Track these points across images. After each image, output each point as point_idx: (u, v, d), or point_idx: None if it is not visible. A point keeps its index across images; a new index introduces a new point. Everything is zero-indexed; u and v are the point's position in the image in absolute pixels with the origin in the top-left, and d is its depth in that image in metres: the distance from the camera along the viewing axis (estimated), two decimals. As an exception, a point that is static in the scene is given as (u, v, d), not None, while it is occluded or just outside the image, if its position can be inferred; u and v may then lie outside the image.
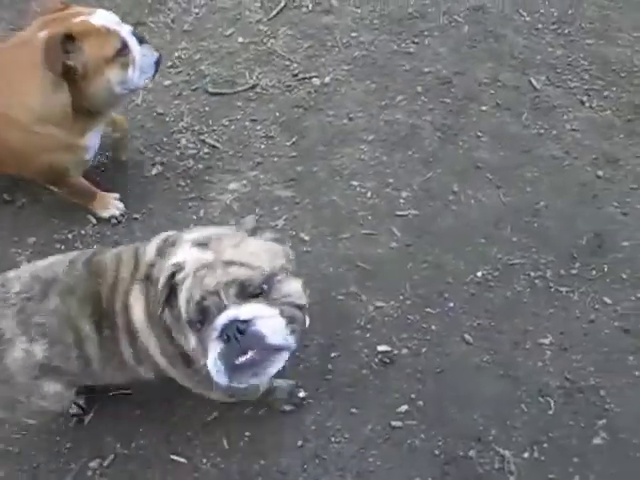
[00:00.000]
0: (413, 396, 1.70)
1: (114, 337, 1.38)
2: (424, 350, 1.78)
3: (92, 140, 1.91)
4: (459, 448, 1.62)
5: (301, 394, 1.70)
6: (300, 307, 1.23)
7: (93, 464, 1.66)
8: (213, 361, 1.15)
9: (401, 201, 2.06)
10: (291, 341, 1.18)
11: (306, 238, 1.99)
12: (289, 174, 2.14)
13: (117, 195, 2.11)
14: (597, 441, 1.62)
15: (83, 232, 2.07)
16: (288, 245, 1.41)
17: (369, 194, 2.08)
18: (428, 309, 1.85)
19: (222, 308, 1.15)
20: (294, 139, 2.22)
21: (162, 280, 1.23)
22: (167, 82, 2.42)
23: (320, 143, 2.21)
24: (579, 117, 2.28)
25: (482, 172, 2.13)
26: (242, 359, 1.13)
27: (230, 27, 2.60)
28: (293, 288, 1.23)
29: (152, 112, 2.35)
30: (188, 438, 1.68)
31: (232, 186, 2.14)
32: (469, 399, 1.69)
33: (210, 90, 2.37)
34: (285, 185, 2.12)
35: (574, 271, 1.92)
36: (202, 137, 2.26)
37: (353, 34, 2.52)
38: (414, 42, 2.49)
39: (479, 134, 2.22)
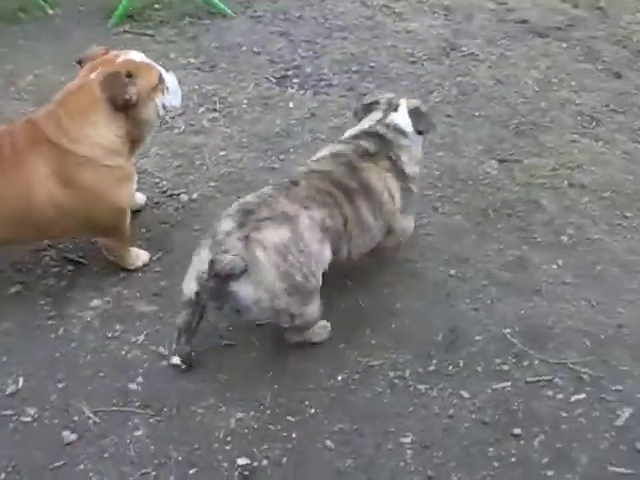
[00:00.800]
0: (273, 509, 1.65)
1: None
2: (285, 460, 1.73)
3: None
4: None
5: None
6: None
7: None
8: None
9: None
10: None
11: (165, 352, 1.96)
12: (153, 289, 2.14)
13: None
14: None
15: None
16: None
17: (230, 309, 2.12)
18: (289, 417, 1.82)
19: None
20: (159, 255, 2.25)
21: None
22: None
23: (185, 258, 2.23)
24: (432, 222, 2.45)
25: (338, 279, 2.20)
26: None
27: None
28: None
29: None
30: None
31: (94, 303, 2.11)
32: (330, 507, 1.65)
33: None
34: (148, 300, 2.11)
35: (431, 368, 1.98)
36: (66, 254, 2.25)
37: (222, 153, 2.67)
38: (280, 159, 2.66)
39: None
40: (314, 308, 1.89)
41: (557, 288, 2.26)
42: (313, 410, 1.85)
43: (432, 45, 3.54)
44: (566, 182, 2.71)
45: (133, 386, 1.89)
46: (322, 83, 3.15)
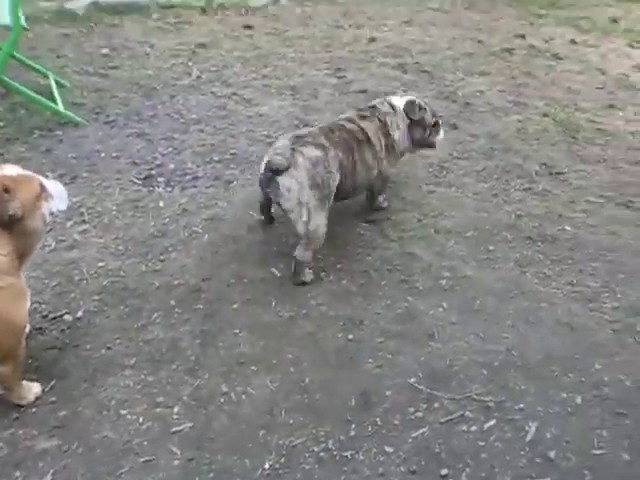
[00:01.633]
0: None
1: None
2: None
3: None
4: None
5: None
6: None
7: None
8: None
9: (174, 417, 2.03)
10: None
11: (79, 488, 1.84)
12: (51, 422, 1.99)
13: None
14: None
15: None
16: None
17: (141, 419, 2.02)
18: (223, 522, 1.78)
19: None
20: (52, 383, 2.12)
21: None
22: None
23: (82, 380, 2.13)
24: (321, 292, 2.54)
25: (246, 366, 2.21)
26: None
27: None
28: None
29: None
30: None
31: (-16, 452, 1.93)
32: None
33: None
34: (49, 435, 1.96)
35: (352, 433, 2.02)
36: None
37: (100, 264, 2.60)
38: (160, 260, 2.64)
39: (236, 331, 2.34)
40: (323, 221, 2.55)
41: (447, 329, 2.42)
42: (246, 506, 1.81)
43: (285, 124, 3.74)
44: (432, 230, 2.96)
45: (47, 536, 1.74)
46: (188, 177, 3.20)
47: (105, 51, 4.57)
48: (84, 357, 2.21)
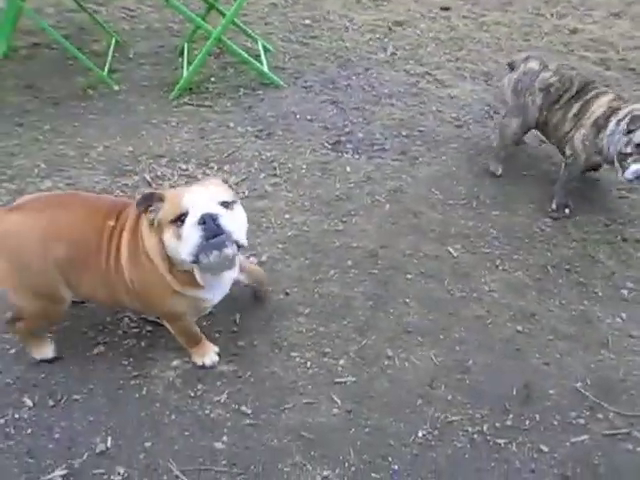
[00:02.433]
0: None
1: None
2: (372, 517, 1.77)
3: None
4: None
5: None
6: None
7: None
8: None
9: (339, 369, 2.15)
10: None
11: (248, 411, 2.01)
12: (231, 349, 2.21)
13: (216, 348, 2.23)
14: None
15: (17, 416, 2.03)
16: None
17: (308, 364, 2.16)
18: (373, 474, 1.85)
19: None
20: (235, 316, 2.34)
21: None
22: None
23: (260, 318, 2.33)
24: (495, 279, 2.52)
25: (413, 336, 2.27)
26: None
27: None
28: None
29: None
30: None
31: (175, 363, 2.18)
32: None
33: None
34: (227, 360, 2.18)
35: (509, 422, 2.01)
36: (144, 316, 2.34)
37: (286, 216, 2.79)
38: (342, 221, 2.77)
39: (407, 301, 2.41)
40: (513, 125, 3.03)
41: (623, 341, 2.29)
42: (396, 466, 1.88)
43: (475, 109, 3.70)
44: (619, 236, 2.78)
45: (219, 445, 1.93)
46: (375, 147, 3.29)
47: (307, 22, 4.78)
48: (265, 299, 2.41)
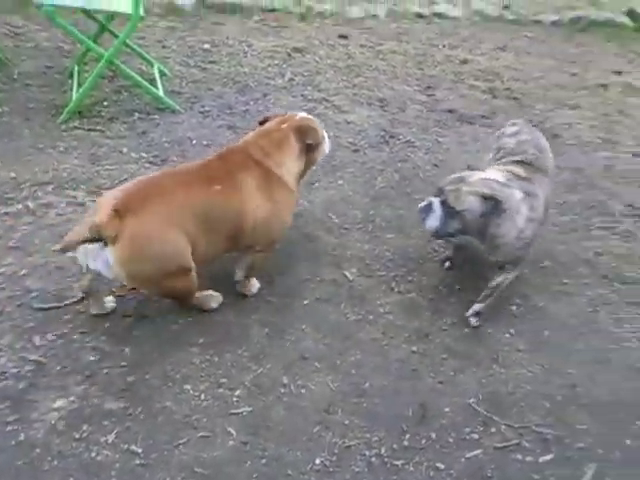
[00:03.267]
0: None
1: None
2: None
3: None
4: None
5: None
6: None
7: None
8: None
9: (235, 399, 2.09)
10: None
11: (139, 450, 1.90)
12: (120, 385, 2.10)
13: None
14: None
15: None
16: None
17: (203, 396, 2.09)
18: (271, 507, 1.82)
19: None
20: (126, 348, 2.22)
21: None
22: (-11, 303, 2.37)
23: (151, 350, 2.23)
24: (390, 301, 2.56)
25: (309, 362, 2.26)
26: None
27: (59, 243, 2.66)
28: None
29: (-30, 333, 2.25)
30: None
31: (58, 404, 2.03)
32: None
33: (35, 305, 2.34)
34: (116, 397, 2.06)
35: (406, 443, 2.03)
36: (25, 354, 2.18)
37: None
38: (238, 247, 2.73)
39: (303, 327, 2.39)
40: None
41: (512, 355, 2.39)
42: (294, 497, 1.84)
43: (372, 134, 3.79)
44: (507, 255, 2.92)
45: (106, 489, 1.82)
46: (272, 173, 3.27)
47: (206, 46, 4.74)
48: (157, 329, 2.31)
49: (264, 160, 2.35)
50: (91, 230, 2.01)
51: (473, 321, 2.50)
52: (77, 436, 1.94)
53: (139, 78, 3.67)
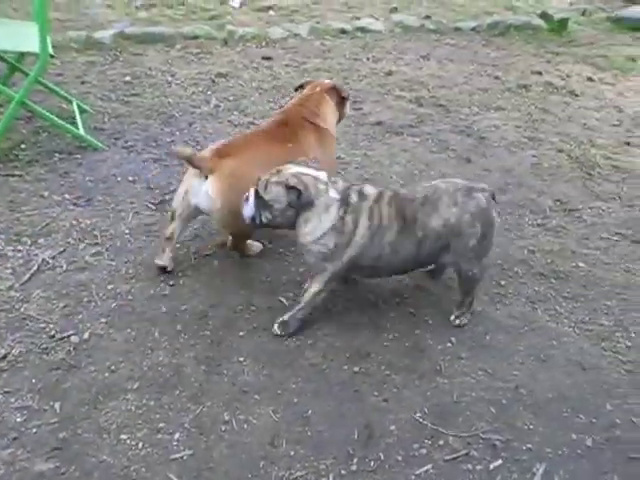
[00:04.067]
0: None
1: None
2: None
3: None
4: None
5: None
6: None
7: None
8: None
9: (174, 444, 2.01)
10: None
11: (74, 512, 1.81)
12: (51, 444, 1.98)
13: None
14: None
15: None
16: None
17: (140, 445, 2.00)
18: None
19: None
20: (54, 404, 2.11)
21: None
22: None
23: (83, 403, 2.12)
24: (329, 322, 2.51)
25: (250, 395, 2.19)
26: None
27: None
28: None
29: None
30: None
31: (-18, 472, 1.92)
32: None
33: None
34: (47, 457, 1.94)
35: (354, 467, 1.99)
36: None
37: (109, 286, 2.61)
38: (169, 284, 2.64)
39: (241, 359, 2.33)
40: None
41: (455, 364, 2.39)
42: (242, 540, 1.77)
43: (300, 154, 3.77)
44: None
45: None
46: (202, 202, 3.21)
47: (128, 79, 4.66)
48: (88, 379, 2.20)
49: (313, 118, 2.92)
50: (197, 159, 2.52)
51: (277, 331, 2.43)
52: (6, 506, 1.83)
53: (55, 118, 3.55)
